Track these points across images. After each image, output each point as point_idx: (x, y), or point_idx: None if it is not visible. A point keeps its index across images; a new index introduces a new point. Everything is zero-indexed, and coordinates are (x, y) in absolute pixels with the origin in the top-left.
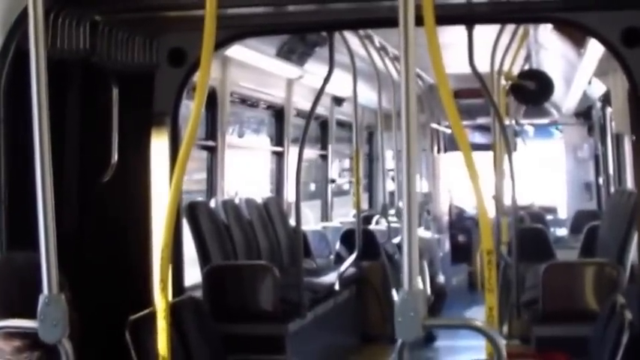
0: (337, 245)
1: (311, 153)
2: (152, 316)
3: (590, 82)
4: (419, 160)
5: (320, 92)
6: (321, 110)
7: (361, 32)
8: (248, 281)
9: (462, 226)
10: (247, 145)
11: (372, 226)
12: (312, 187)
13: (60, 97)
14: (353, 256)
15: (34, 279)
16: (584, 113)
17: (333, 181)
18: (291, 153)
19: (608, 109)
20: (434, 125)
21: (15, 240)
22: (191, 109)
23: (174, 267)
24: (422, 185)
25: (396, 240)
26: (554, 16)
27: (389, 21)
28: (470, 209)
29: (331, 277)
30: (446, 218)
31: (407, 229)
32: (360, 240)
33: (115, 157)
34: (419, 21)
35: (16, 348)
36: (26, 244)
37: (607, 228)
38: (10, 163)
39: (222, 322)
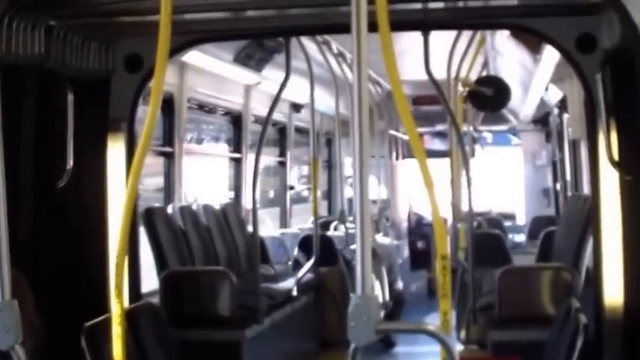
0: (295, 251)
1: (270, 160)
2: (108, 323)
3: (547, 89)
4: (378, 166)
5: (276, 98)
6: (279, 117)
7: (319, 38)
8: (205, 287)
9: (421, 232)
10: (205, 152)
11: (331, 233)
12: (272, 194)
13: (14, 102)
14: (310, 262)
15: None
16: (541, 120)
17: (291, 187)
18: (250, 159)
19: (565, 116)
20: (392, 132)
21: None
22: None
23: (131, 273)
24: (380, 192)
25: (354, 246)
26: (510, 22)
27: (344, 27)
28: (429, 216)
29: (289, 283)
30: (405, 225)
31: (360, 234)
32: (318, 246)
33: (71, 162)
34: (374, 27)
35: None
36: None
37: (563, 233)
38: None
39: (179, 328)
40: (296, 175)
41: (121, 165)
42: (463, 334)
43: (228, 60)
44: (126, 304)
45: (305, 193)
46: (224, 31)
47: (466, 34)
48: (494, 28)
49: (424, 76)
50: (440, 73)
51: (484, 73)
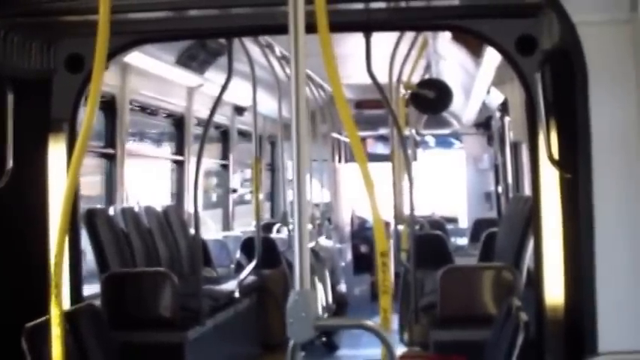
0: (238, 254)
1: (212, 162)
2: (49, 324)
3: (488, 92)
4: (320, 169)
5: (218, 100)
6: (222, 119)
7: (262, 41)
8: (146, 289)
9: (364, 236)
10: (148, 154)
11: (274, 235)
12: (214, 196)
13: None
14: (252, 264)
15: None
16: (484, 124)
17: (234, 190)
18: (192, 162)
19: (507, 119)
20: (335, 135)
21: None
22: None
23: (72, 275)
24: (323, 195)
25: None
26: (451, 24)
27: (285, 28)
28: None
29: (231, 285)
30: (348, 228)
31: (298, 231)
32: (260, 248)
33: (11, 162)
34: (315, 28)
35: None
36: None
37: (504, 233)
38: None
39: (120, 330)
40: (239, 178)
41: (63, 166)
42: (406, 336)
43: (170, 62)
44: (68, 305)
45: (248, 196)
46: (165, 32)
47: (408, 37)
48: (436, 29)
49: (367, 80)
50: (383, 77)
51: (427, 77)
